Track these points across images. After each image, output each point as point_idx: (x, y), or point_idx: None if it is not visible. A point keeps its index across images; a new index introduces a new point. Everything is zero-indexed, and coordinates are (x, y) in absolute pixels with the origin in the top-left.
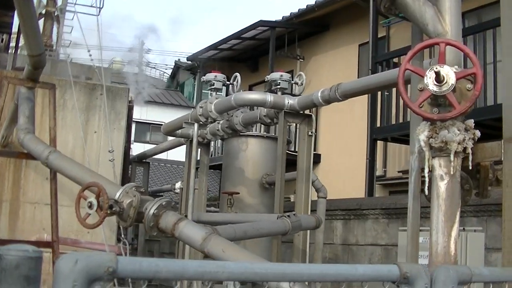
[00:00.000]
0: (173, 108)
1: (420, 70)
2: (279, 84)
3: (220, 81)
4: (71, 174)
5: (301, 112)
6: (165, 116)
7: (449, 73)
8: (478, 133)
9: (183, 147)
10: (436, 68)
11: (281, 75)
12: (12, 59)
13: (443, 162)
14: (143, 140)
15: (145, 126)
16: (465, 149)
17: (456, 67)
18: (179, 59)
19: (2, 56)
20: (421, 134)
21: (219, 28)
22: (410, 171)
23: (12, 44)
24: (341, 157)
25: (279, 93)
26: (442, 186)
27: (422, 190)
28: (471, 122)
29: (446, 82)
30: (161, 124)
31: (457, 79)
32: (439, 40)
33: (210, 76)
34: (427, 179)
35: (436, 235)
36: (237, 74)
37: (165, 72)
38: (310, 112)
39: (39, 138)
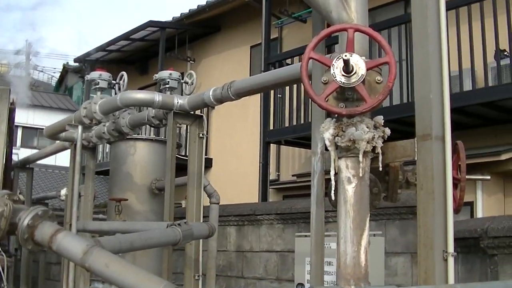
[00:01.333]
0: (62, 113)
1: (326, 59)
2: (168, 83)
3: (105, 80)
4: None
5: (192, 112)
6: (53, 120)
7: (359, 63)
8: (388, 130)
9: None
10: (345, 56)
11: (170, 74)
12: None
13: (351, 163)
14: (31, 145)
15: (32, 131)
16: (374, 148)
17: (364, 58)
18: (67, 62)
19: None
20: (325, 132)
21: (108, 29)
22: (312, 173)
23: None
24: (233, 162)
25: (168, 92)
26: (350, 189)
27: (326, 194)
28: (380, 119)
29: (355, 72)
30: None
31: (368, 69)
32: (348, 25)
33: (94, 74)
34: (333, 182)
35: (345, 244)
36: (124, 73)
37: (53, 76)
38: (201, 113)
39: None
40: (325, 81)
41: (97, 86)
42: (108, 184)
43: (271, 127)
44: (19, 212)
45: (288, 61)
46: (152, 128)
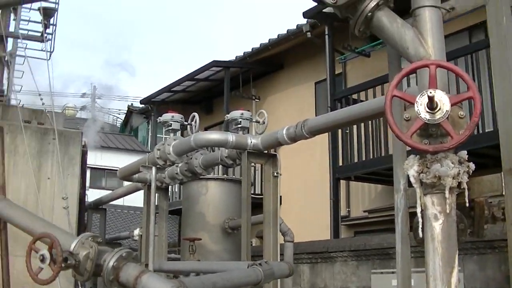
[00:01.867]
0: (128, 153)
1: (409, 96)
2: (240, 123)
3: (177, 122)
4: (22, 224)
5: (265, 151)
6: (120, 161)
7: (443, 99)
8: (472, 165)
9: (140, 192)
10: (430, 93)
11: (242, 113)
12: None
13: (437, 199)
14: (99, 186)
15: (100, 172)
16: (459, 184)
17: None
18: (132, 104)
19: None
20: (410, 169)
21: (173, 71)
22: (396, 210)
23: None
24: (302, 198)
25: (240, 132)
26: (437, 226)
27: (411, 231)
28: (464, 154)
29: (439, 109)
30: (116, 170)
31: (452, 105)
32: (429, 62)
33: (167, 116)
34: (420, 220)
35: (434, 282)
36: (195, 114)
37: (118, 117)
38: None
39: None
40: (408, 118)
41: (170, 128)
42: (179, 223)
43: (340, 163)
44: (104, 254)
45: (354, 96)
46: (220, 168)
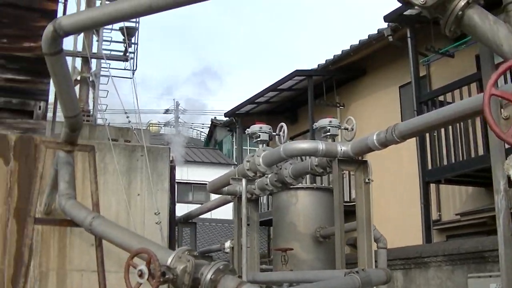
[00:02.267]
0: (213, 167)
1: (509, 94)
2: (328, 131)
3: (266, 133)
4: (117, 240)
5: (355, 158)
6: (206, 175)
7: None
8: None
9: (228, 205)
10: None
11: (330, 121)
12: (50, 126)
13: None
14: (186, 200)
15: (187, 186)
16: None
17: None
18: (215, 117)
19: (40, 124)
20: (511, 169)
21: (253, 83)
22: (496, 212)
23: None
24: (391, 204)
25: (330, 140)
26: None
27: None
28: None
29: None
30: (202, 184)
31: None
32: None
33: (255, 128)
34: None
35: None
36: (283, 124)
37: (202, 131)
38: (362, 158)
39: (81, 203)
40: (507, 116)
41: (259, 139)
42: (268, 234)
43: (429, 167)
44: (201, 267)
45: (440, 98)
46: (308, 176)
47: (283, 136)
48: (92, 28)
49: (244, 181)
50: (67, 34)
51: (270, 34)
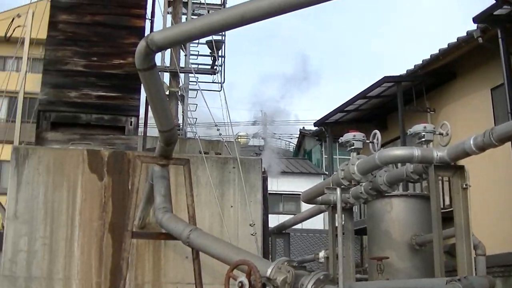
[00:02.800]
0: (303, 177)
1: None
2: (423, 137)
3: (359, 141)
4: (215, 252)
5: (452, 164)
6: (296, 185)
7: None
8: None
9: (319, 215)
10: None
11: (425, 127)
12: (142, 141)
13: None
14: (276, 211)
15: (277, 197)
16: None
17: None
18: (303, 127)
19: (132, 139)
20: None
21: (339, 91)
22: None
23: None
24: (485, 209)
25: (425, 146)
26: None
27: None
28: None
29: None
30: (293, 194)
31: None
32: None
33: (348, 136)
34: None
35: None
36: (377, 131)
37: (290, 142)
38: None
39: (178, 216)
40: None
41: (352, 147)
42: (361, 243)
43: None
44: (301, 277)
45: None
46: (401, 183)
47: (377, 144)
48: (183, 42)
49: (338, 190)
50: (160, 49)
51: (355, 41)
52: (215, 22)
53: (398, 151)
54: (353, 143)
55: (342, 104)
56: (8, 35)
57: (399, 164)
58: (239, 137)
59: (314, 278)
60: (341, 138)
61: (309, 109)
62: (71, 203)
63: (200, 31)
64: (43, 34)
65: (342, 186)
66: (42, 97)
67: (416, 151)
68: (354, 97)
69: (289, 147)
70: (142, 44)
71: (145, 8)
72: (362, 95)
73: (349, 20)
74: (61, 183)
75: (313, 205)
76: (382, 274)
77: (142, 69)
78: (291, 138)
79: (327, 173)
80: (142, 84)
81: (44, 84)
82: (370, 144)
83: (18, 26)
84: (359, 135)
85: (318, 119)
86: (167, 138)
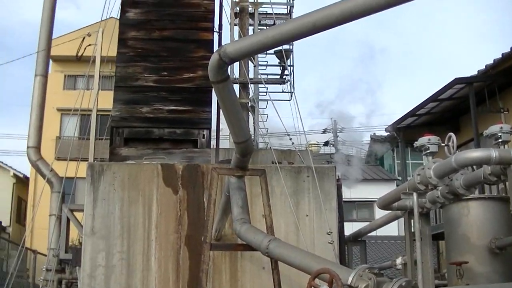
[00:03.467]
0: (376, 183)
1: None
2: (500, 137)
3: (434, 144)
4: (295, 261)
5: None
6: (369, 192)
7: None
8: None
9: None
10: None
11: (501, 127)
12: (214, 154)
13: None
14: (350, 218)
15: (350, 205)
16: None
17: None
18: (374, 133)
19: (205, 152)
20: None
21: (407, 95)
22: None
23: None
24: None
25: (501, 147)
26: None
27: None
28: None
29: None
30: (366, 201)
31: None
32: None
33: (423, 140)
34: None
35: None
36: (451, 134)
37: (361, 148)
38: None
39: (256, 227)
40: None
41: (428, 151)
42: (437, 248)
43: None
44: (383, 284)
45: None
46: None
47: (453, 147)
48: (256, 53)
49: (415, 195)
50: (232, 61)
51: (422, 45)
52: (288, 31)
53: (475, 153)
54: (428, 147)
55: (413, 108)
56: (80, 54)
57: (475, 167)
58: (310, 145)
59: (397, 285)
60: (415, 142)
61: (379, 114)
62: (147, 217)
63: (272, 41)
64: (112, 52)
65: (419, 191)
66: (115, 114)
67: (494, 153)
68: (425, 100)
69: (360, 154)
70: (215, 56)
71: (213, 21)
72: (433, 98)
73: (415, 21)
74: (137, 198)
75: (389, 211)
76: (462, 279)
77: (216, 82)
78: (362, 145)
79: (400, 178)
80: (214, 97)
81: (116, 100)
82: (446, 147)
83: (89, 45)
84: (434, 138)
85: (389, 124)
86: (243, 149)
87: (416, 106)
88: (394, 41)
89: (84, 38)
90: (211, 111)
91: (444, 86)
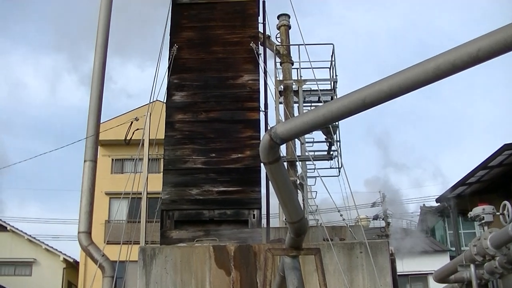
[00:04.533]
0: (428, 255)
1: None
2: None
3: (489, 214)
4: None
5: None
6: (422, 264)
7: None
8: None
9: None
10: None
11: None
12: (265, 233)
13: None
14: None
15: (404, 278)
16: None
17: None
18: (423, 204)
19: (256, 232)
20: None
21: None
22: None
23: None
24: None
25: None
26: None
27: None
28: None
29: None
30: (420, 274)
31: None
32: None
33: (477, 210)
34: None
35: None
36: (506, 202)
37: (412, 220)
38: None
39: None
40: None
41: (483, 221)
42: None
43: None
44: None
45: None
46: None
47: (508, 215)
48: (307, 132)
49: (472, 266)
50: (284, 141)
51: (466, 110)
52: (338, 109)
53: None
54: (483, 216)
55: (463, 177)
56: (128, 138)
57: None
58: (360, 219)
59: None
60: (469, 213)
61: (425, 184)
62: None
63: (323, 119)
64: (160, 134)
65: (476, 262)
66: (165, 197)
67: None
68: (475, 168)
69: (410, 225)
70: (265, 137)
71: (258, 101)
72: (483, 165)
73: (457, 87)
74: (189, 280)
75: (445, 284)
76: None
77: (268, 163)
78: (412, 217)
79: (453, 249)
80: (264, 177)
81: (165, 183)
82: (501, 216)
83: (137, 130)
84: (489, 208)
85: (439, 194)
86: (297, 229)
87: (466, 175)
88: (436, 106)
89: (132, 122)
90: (260, 191)
91: (494, 153)
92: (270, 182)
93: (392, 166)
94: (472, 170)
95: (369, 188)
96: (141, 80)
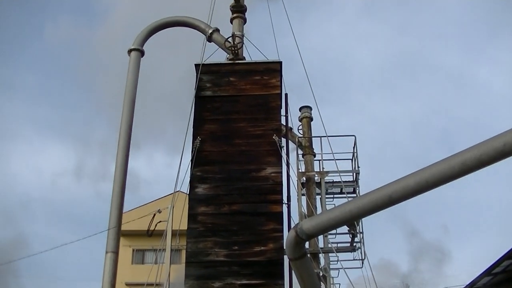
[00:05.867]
0: None
1: None
2: None
3: None
4: None
5: None
6: None
7: None
8: None
9: None
10: None
11: None
12: None
13: None
14: None
15: None
16: None
17: None
18: None
19: None
20: None
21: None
22: None
23: None
24: None
25: None
26: None
27: None
28: None
29: None
30: None
31: None
32: None
33: None
34: None
35: None
36: None
37: None
38: None
39: None
40: None
41: None
42: None
43: None
44: None
45: None
46: None
47: None
48: (333, 228)
49: None
50: (310, 237)
51: (484, 196)
52: (364, 205)
53: None
54: None
55: (489, 267)
56: (151, 229)
57: None
58: None
59: None
60: None
61: (451, 274)
62: None
63: (350, 215)
64: (183, 225)
65: None
66: None
67: None
68: (501, 258)
69: None
70: (291, 234)
71: (281, 193)
72: (509, 255)
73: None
74: None
75: None
76: None
77: (294, 259)
78: None
79: None
80: (287, 269)
81: (187, 276)
82: None
83: (160, 222)
84: None
85: (464, 286)
86: None
87: (491, 265)
88: (458, 193)
89: (154, 214)
90: (283, 284)
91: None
92: (294, 274)
93: (416, 255)
94: (498, 260)
95: (391, 277)
96: (166, 169)
